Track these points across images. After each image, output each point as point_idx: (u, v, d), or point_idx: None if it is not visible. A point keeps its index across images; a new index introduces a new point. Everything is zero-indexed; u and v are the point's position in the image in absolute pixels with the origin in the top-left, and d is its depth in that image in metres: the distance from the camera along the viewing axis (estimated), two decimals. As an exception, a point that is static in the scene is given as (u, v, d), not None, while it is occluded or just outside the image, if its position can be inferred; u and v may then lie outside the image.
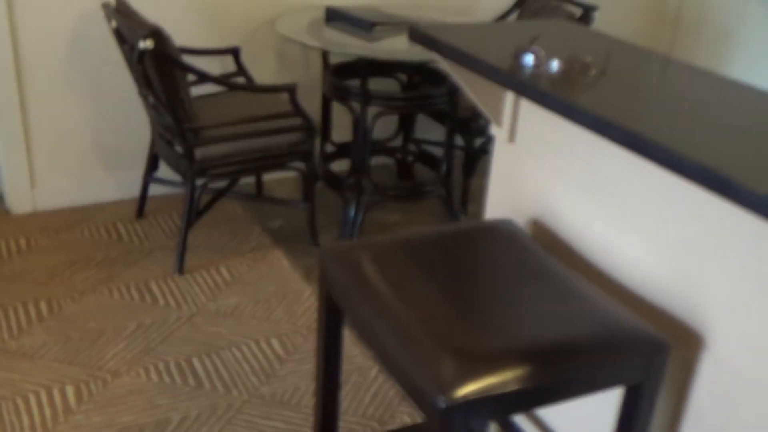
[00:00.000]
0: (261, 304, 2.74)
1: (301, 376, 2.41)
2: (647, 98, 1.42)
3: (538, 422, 1.84)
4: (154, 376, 2.36)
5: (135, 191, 3.38)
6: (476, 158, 3.41)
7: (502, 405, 1.21)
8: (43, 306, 2.64)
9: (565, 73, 1.51)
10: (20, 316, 2.58)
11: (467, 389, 1.17)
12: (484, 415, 1.20)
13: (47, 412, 2.19)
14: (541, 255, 1.54)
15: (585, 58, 1.55)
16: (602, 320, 1.35)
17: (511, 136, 1.84)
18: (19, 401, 2.22)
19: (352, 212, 3.13)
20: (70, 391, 2.27)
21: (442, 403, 1.15)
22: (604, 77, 1.50)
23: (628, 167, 1.52)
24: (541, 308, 1.37)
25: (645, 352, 1.31)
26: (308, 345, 2.56)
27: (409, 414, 2.30)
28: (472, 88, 1.78)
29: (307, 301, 2.78)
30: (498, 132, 1.87)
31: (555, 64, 1.54)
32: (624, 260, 1.56)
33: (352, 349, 2.55)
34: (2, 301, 2.65)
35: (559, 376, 1.24)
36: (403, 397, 2.37)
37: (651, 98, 1.42)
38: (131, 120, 3.29)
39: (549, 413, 1.82)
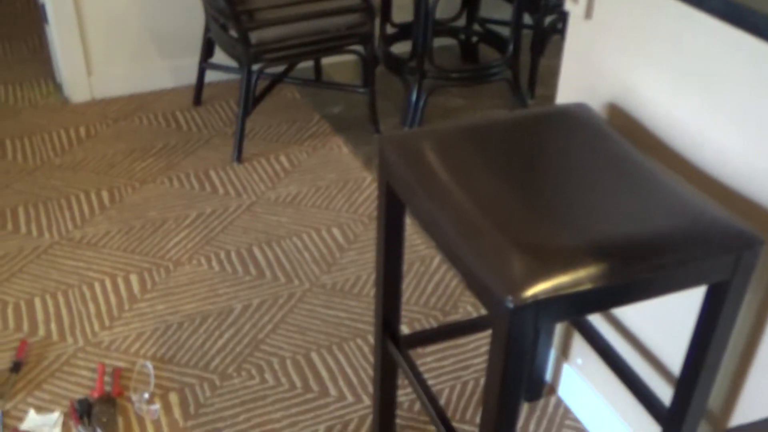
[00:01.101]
0: (321, 193, 2.69)
1: (362, 265, 2.38)
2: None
3: (611, 320, 1.76)
4: (215, 264, 2.36)
5: (191, 78, 3.31)
6: (545, 37, 3.21)
7: (575, 305, 1.12)
8: (104, 195, 2.64)
9: (654, -65, 1.33)
10: (83, 206, 2.59)
11: (537, 288, 1.08)
12: (555, 315, 1.12)
13: (112, 299, 2.22)
14: (619, 142, 1.41)
15: None
16: (686, 212, 1.24)
17: (588, 12, 1.67)
18: (85, 289, 2.25)
19: (413, 97, 3.00)
20: (134, 279, 2.29)
21: (509, 303, 1.07)
22: (700, -61, 1.31)
23: (722, 44, 1.36)
24: (618, 200, 1.26)
25: (734, 247, 1.20)
26: (369, 233, 2.51)
27: (472, 304, 2.25)
28: (546, -43, 1.61)
29: (368, 188, 2.72)
30: (573, 7, 1.70)
31: (642, -75, 1.35)
32: (712, 147, 1.42)
33: (414, 238, 2.49)
34: (65, 190, 2.66)
35: (638, 274, 1.14)
36: (466, 287, 2.32)
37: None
38: (184, 3, 3.18)
39: (624, 310, 1.74)
